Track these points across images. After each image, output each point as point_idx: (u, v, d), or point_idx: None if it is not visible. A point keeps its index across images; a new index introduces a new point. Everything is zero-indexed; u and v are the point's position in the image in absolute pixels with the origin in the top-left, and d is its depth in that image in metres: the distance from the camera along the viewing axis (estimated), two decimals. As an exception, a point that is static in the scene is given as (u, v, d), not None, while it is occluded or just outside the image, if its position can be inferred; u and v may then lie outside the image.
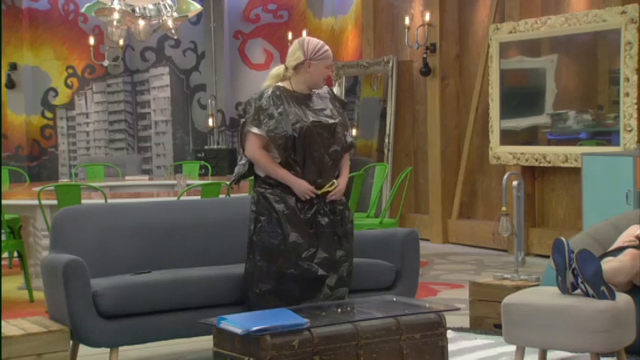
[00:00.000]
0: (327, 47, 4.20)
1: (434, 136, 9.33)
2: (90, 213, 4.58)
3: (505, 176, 5.89)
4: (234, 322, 3.48)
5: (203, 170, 10.35)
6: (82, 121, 12.43)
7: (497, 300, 4.41)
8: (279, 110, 4.08)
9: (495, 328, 4.78)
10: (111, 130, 12.53)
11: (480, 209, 9.09)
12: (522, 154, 8.03)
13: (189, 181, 7.90)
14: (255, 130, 4.10)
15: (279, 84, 4.19)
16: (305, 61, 4.13)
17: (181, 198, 6.32)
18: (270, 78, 4.22)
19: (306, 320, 3.48)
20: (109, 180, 9.37)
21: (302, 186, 4.09)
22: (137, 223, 4.56)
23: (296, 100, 4.14)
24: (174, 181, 8.15)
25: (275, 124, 4.06)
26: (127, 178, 9.66)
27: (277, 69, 4.24)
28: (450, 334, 4.04)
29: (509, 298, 3.85)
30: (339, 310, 3.85)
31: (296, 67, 4.16)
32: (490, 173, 8.84)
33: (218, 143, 12.56)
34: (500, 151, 8.25)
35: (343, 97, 10.59)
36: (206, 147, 12.53)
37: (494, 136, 8.31)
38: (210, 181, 7.53)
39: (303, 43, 4.16)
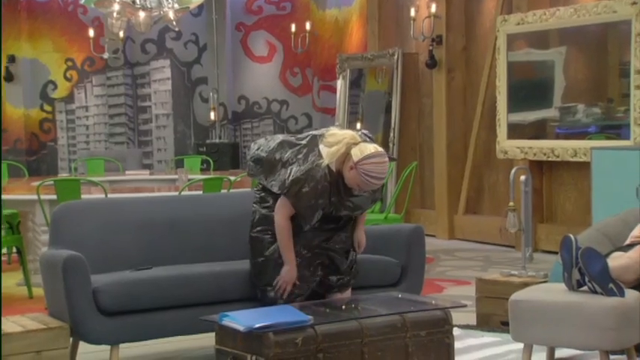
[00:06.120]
0: (377, 181, 3.98)
1: (440, 130, 9.32)
2: (90, 208, 4.59)
3: (512, 171, 5.88)
4: (237, 319, 3.49)
5: (205, 165, 10.35)
6: (81, 114, 12.44)
7: (504, 297, 4.41)
8: (320, 202, 4.03)
9: (502, 326, 4.78)
10: (111, 124, 12.54)
11: (486, 204, 9.08)
12: (530, 148, 8.02)
13: (190, 176, 7.90)
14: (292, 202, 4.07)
15: (332, 165, 4.03)
16: (353, 163, 3.97)
17: (183, 193, 6.33)
18: (328, 154, 4.03)
19: (309, 317, 3.48)
20: (109, 174, 9.38)
21: (289, 276, 4.11)
22: (138, 219, 4.56)
23: (337, 189, 4.08)
24: (176, 176, 8.15)
25: (309, 212, 4.04)
26: (127, 172, 9.66)
27: (338, 148, 4.02)
28: (456, 331, 4.04)
29: (517, 295, 3.85)
30: (344, 307, 3.86)
31: (349, 156, 4.01)
32: (497, 168, 8.83)
33: (220, 137, 12.56)
34: (508, 145, 8.24)
35: (347, 90, 10.61)
36: (208, 141, 12.54)
37: (502, 130, 8.30)
38: (211, 176, 7.53)
39: (370, 156, 3.95)
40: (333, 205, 4.10)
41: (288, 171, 4.07)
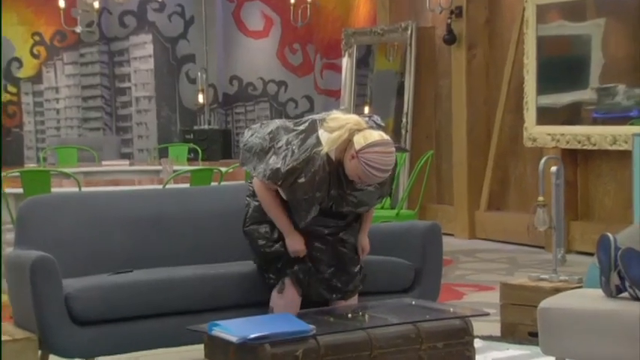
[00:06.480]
0: (379, 173, 3.96)
1: (459, 114, 9.33)
2: (61, 203, 4.60)
3: (542, 161, 5.88)
4: (229, 329, 3.50)
5: (192, 154, 10.39)
6: (51, 96, 12.46)
7: (532, 304, 4.43)
8: (318, 195, 4.04)
9: (530, 337, 4.80)
10: (85, 108, 12.56)
11: (512, 199, 9.10)
12: (562, 135, 8.03)
13: (176, 167, 7.94)
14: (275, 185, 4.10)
15: (332, 154, 4.04)
16: (355, 151, 3.96)
17: (167, 186, 6.35)
18: (328, 141, 4.03)
19: (311, 327, 3.50)
20: (82, 165, 9.43)
21: (296, 244, 4.13)
22: (116, 215, 4.57)
23: (338, 181, 4.08)
24: (159, 167, 8.19)
25: (305, 206, 4.06)
26: (103, 162, 9.72)
27: (339, 134, 4.01)
28: (477, 343, 4.06)
29: (547, 302, 3.86)
30: (350, 315, 3.87)
31: (351, 143, 4.00)
32: (525, 157, 8.84)
33: (209, 123, 12.59)
34: (537, 132, 8.25)
35: (354, 70, 10.61)
36: (195, 127, 12.56)
37: (530, 115, 8.30)
38: (200, 167, 7.55)
39: (373, 144, 3.95)
40: (332, 199, 4.10)
41: (281, 158, 4.08)
